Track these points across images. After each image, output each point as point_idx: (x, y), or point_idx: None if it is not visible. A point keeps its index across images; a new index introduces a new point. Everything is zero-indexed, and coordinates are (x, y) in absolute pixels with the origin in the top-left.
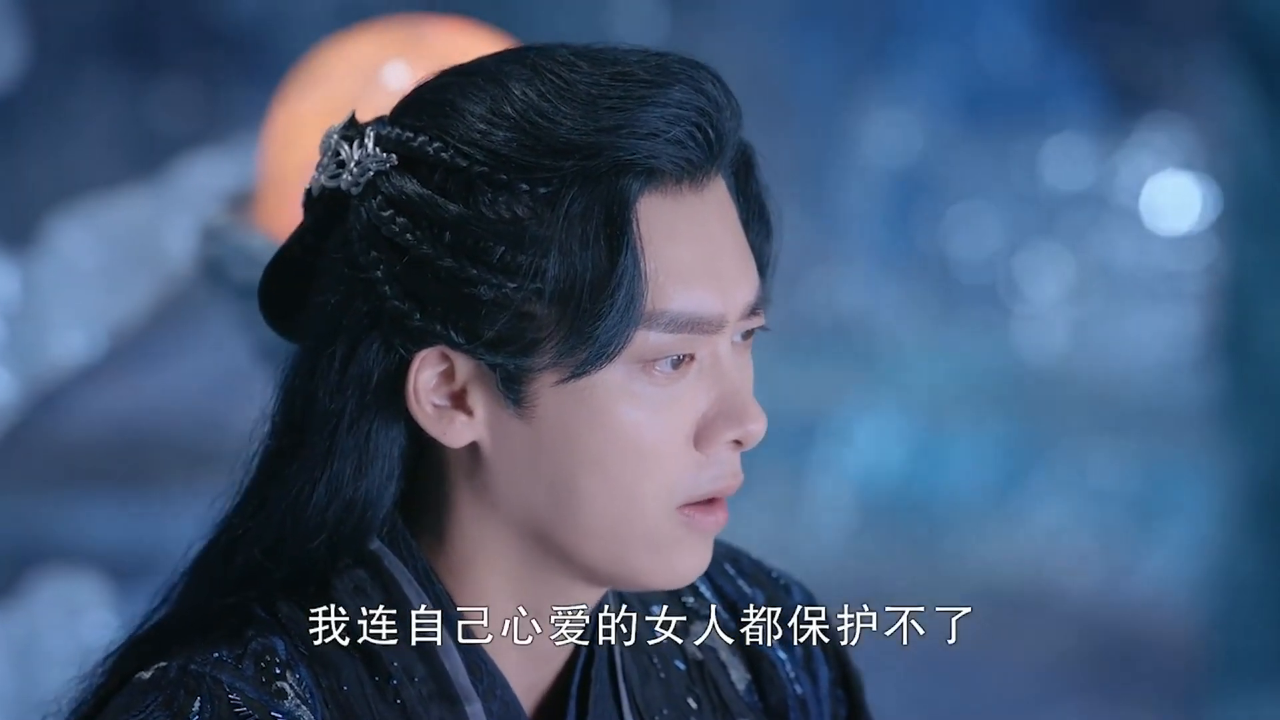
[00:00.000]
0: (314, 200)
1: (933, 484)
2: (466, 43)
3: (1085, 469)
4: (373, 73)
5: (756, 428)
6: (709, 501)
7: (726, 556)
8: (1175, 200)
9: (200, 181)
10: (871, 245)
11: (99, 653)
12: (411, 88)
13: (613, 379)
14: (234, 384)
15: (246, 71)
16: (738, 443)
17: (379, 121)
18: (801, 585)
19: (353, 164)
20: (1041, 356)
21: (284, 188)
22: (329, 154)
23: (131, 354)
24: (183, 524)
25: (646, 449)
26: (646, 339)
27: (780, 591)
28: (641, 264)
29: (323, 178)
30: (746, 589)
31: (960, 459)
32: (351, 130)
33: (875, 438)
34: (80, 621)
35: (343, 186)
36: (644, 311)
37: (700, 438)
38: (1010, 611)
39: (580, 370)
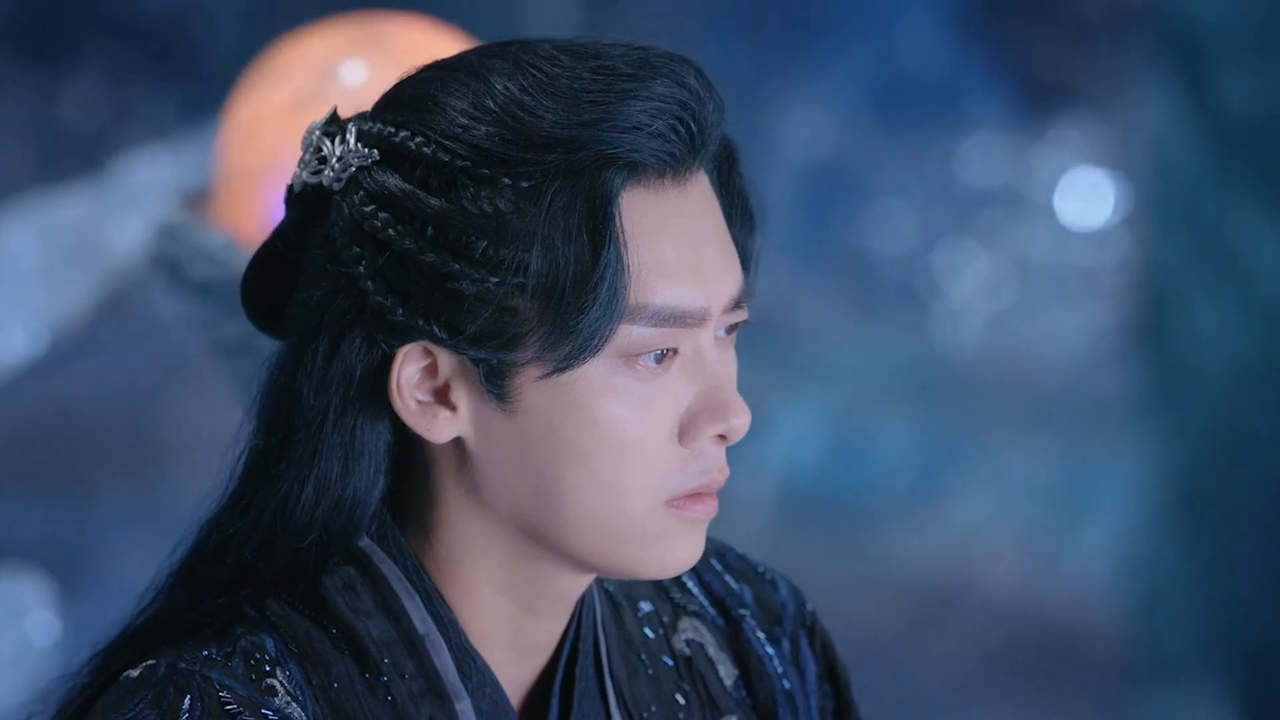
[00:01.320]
0: (296, 196)
1: (853, 479)
2: (425, 41)
3: (1005, 463)
4: (330, 70)
5: (740, 422)
6: (697, 495)
7: (713, 552)
8: (1090, 196)
9: (142, 178)
10: (790, 241)
11: (44, 653)
12: (392, 83)
13: (596, 374)
14: (176, 382)
15: (158, 68)
16: (722, 437)
17: (361, 117)
18: (788, 580)
19: (334, 160)
20: (960, 351)
21: (242, 185)
22: (310, 150)
23: (73, 352)
24: (123, 523)
25: (630, 444)
26: (630, 333)
27: (767, 587)
28: (624, 258)
29: (304, 174)
30: (733, 584)
31: (880, 454)
32: (333, 126)
33: (795, 433)
34: (24, 622)
35: (324, 182)
36: (627, 305)
37: (684, 432)
38: (932, 606)
39: (563, 365)
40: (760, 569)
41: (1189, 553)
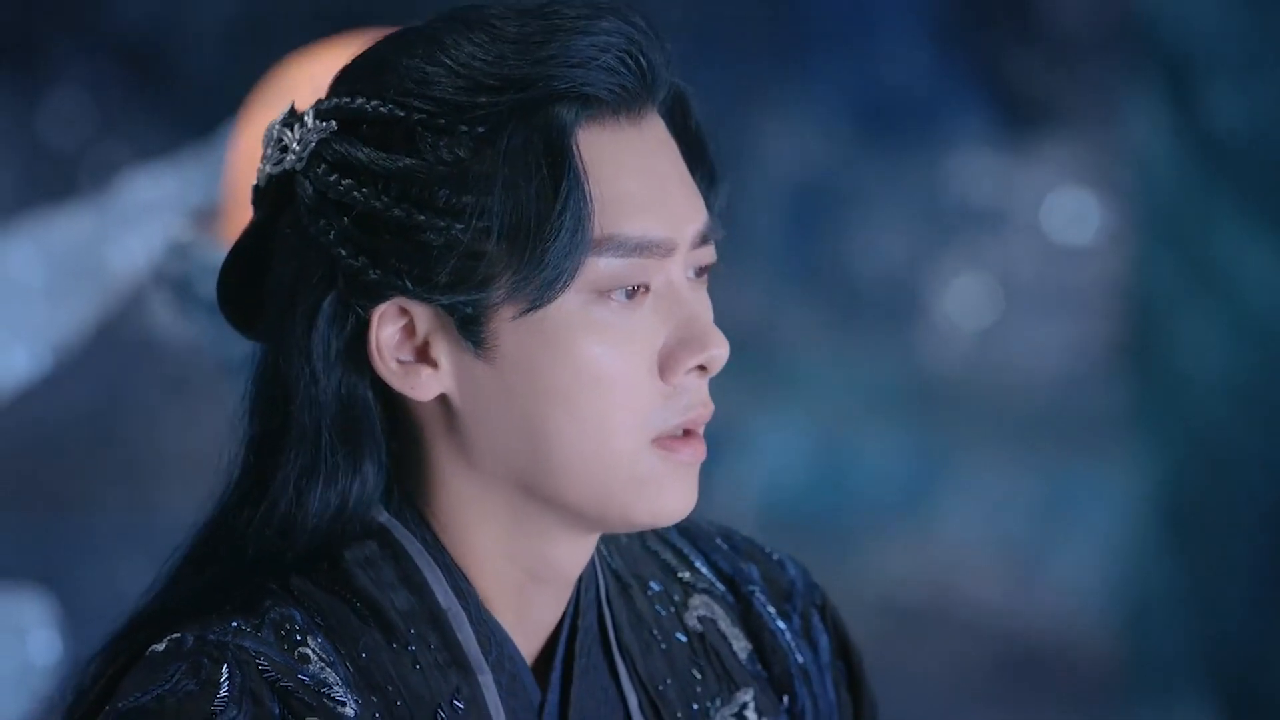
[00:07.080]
0: (262, 192)
1: (837, 496)
2: None
3: (990, 480)
4: None
5: (719, 352)
6: (684, 435)
7: (719, 533)
8: (1074, 213)
9: (142, 197)
10: (773, 258)
11: (46, 672)
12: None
13: (569, 309)
14: (176, 400)
15: (137, 85)
16: (702, 369)
17: (316, 101)
18: (796, 560)
19: (294, 144)
20: (944, 368)
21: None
22: (272, 144)
23: (74, 370)
24: (124, 541)
25: (610, 381)
26: (597, 265)
27: (774, 566)
28: (585, 187)
29: (268, 167)
30: (741, 564)
31: (864, 471)
32: (291, 117)
33: (778, 451)
34: (25, 641)
35: (288, 166)
36: (593, 237)
37: (664, 367)
38: (916, 623)
39: (536, 301)
40: (767, 549)
41: (1176, 569)
